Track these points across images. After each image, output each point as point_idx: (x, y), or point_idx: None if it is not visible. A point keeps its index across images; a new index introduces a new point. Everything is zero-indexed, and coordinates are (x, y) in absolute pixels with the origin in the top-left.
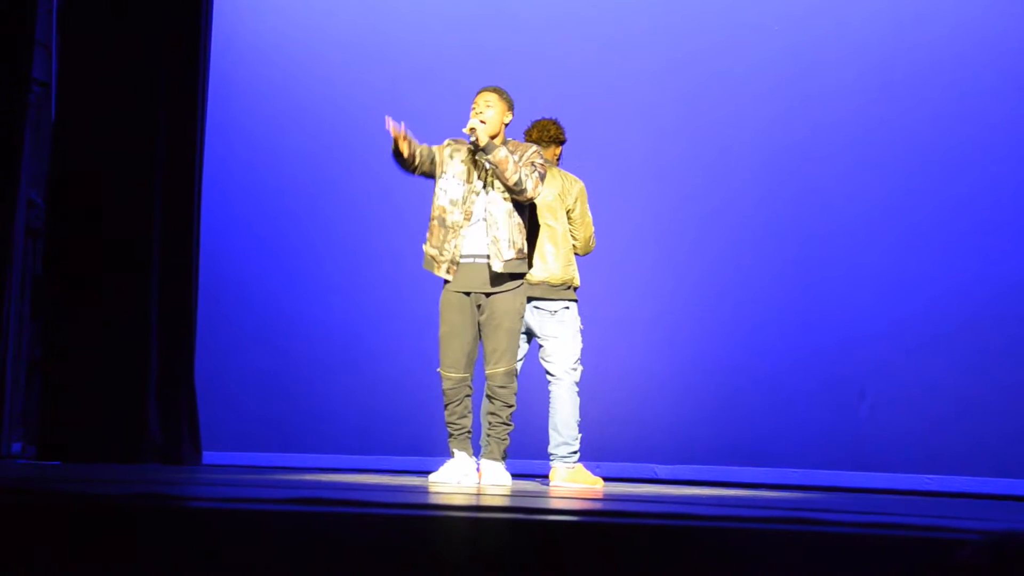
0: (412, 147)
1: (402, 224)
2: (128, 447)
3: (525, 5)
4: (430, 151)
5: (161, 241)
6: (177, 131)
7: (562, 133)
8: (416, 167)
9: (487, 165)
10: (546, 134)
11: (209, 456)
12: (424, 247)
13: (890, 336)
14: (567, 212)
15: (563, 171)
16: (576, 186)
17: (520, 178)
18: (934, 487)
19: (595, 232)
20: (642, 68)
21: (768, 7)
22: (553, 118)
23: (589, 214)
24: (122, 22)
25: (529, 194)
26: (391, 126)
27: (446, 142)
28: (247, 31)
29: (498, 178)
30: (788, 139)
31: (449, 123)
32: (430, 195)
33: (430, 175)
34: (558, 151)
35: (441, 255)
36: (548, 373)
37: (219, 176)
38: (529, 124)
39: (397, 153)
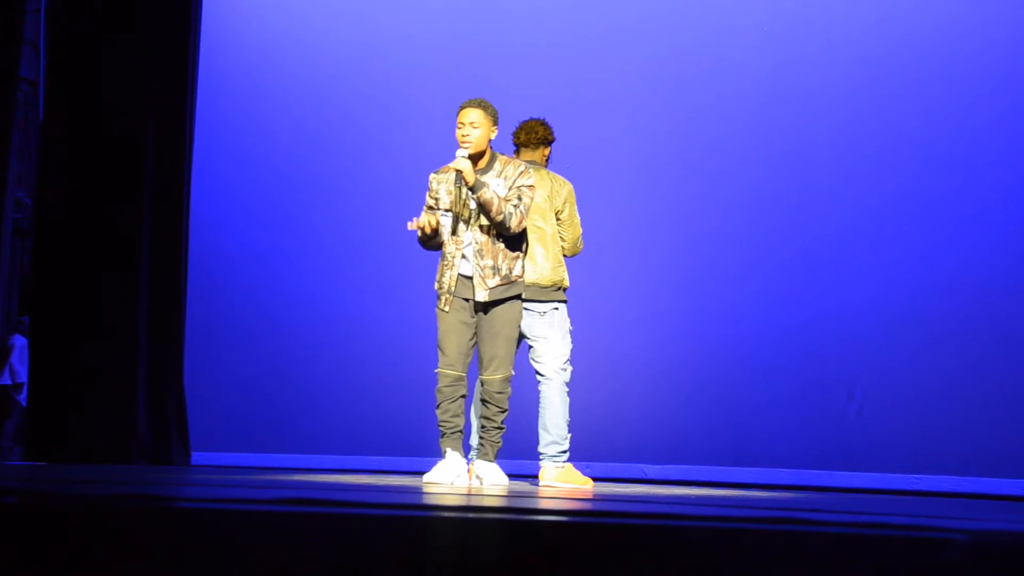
0: (431, 222)
1: (392, 226)
2: (117, 447)
3: (514, 4)
4: (433, 211)
5: (150, 241)
6: (166, 130)
7: (550, 134)
8: (439, 234)
9: (472, 204)
10: (534, 135)
11: (198, 456)
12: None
13: (878, 337)
14: (556, 214)
15: (552, 173)
16: (565, 188)
17: (504, 217)
18: (921, 487)
19: (583, 233)
20: (629, 68)
21: (756, 6)
22: (541, 119)
23: (577, 216)
24: (111, 21)
25: (512, 231)
26: (413, 226)
27: (431, 177)
28: (236, 27)
29: (483, 214)
30: (776, 139)
31: (437, 119)
32: (416, 195)
33: None
34: (547, 152)
35: (441, 287)
36: (538, 373)
37: (208, 176)
38: (516, 125)
39: (424, 238)
